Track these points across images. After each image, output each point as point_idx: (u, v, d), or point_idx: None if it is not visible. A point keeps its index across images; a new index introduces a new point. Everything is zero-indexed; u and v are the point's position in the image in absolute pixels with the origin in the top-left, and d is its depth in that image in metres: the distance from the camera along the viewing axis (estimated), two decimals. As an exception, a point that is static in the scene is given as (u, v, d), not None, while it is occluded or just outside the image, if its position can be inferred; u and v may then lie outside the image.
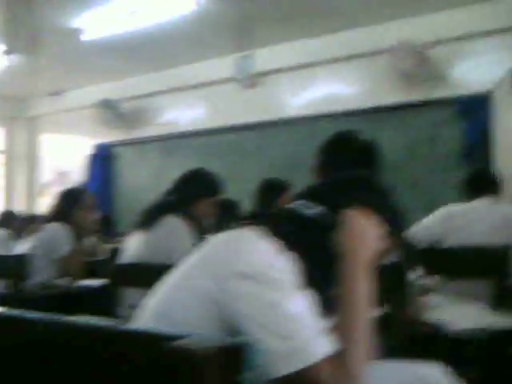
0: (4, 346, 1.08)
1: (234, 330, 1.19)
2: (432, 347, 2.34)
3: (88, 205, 3.93)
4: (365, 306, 1.27)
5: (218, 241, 1.35)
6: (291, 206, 1.39)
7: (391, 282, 1.86)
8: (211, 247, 1.34)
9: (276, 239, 1.28)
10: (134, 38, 5.97)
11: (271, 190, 4.17)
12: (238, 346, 0.86)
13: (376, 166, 2.26)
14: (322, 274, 1.31)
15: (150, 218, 3.04)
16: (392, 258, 1.52)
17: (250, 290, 1.18)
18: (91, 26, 5.70)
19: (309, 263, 1.27)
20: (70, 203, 3.86)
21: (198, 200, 3.11)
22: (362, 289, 1.28)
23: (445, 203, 3.66)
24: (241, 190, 6.12)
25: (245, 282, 1.19)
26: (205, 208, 3.14)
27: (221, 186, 3.26)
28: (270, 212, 1.49)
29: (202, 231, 3.19)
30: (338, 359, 1.17)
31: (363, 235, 1.32)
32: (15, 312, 1.10)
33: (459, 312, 2.48)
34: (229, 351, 0.83)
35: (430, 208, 3.51)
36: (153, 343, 0.87)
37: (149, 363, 0.83)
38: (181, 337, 0.83)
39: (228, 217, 4.78)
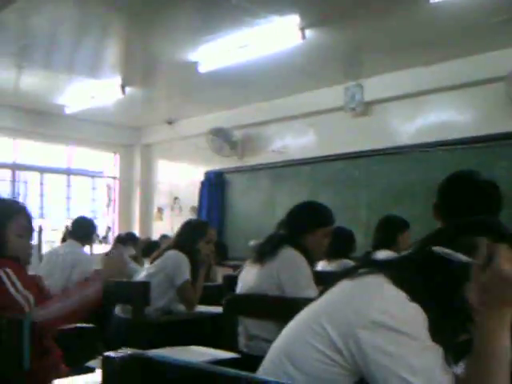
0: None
1: (360, 376, 1.23)
2: None
3: (210, 238, 4.16)
4: (504, 364, 1.18)
5: (347, 287, 1.34)
6: (424, 249, 1.33)
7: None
8: (340, 294, 1.34)
9: (403, 286, 1.24)
10: (245, 69, 6.16)
11: (393, 226, 4.20)
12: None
13: (498, 209, 2.20)
14: (449, 323, 1.26)
15: (265, 250, 3.07)
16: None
17: (382, 340, 1.18)
18: (205, 58, 5.95)
19: (436, 312, 1.23)
20: (193, 235, 4.11)
21: (311, 231, 3.11)
22: (502, 344, 1.19)
23: None
24: (350, 218, 6.13)
25: (376, 331, 1.19)
26: (318, 239, 3.13)
27: (332, 217, 3.23)
28: (395, 258, 1.45)
29: (314, 261, 3.23)
30: None
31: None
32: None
33: None
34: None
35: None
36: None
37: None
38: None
39: (340, 245, 4.78)
